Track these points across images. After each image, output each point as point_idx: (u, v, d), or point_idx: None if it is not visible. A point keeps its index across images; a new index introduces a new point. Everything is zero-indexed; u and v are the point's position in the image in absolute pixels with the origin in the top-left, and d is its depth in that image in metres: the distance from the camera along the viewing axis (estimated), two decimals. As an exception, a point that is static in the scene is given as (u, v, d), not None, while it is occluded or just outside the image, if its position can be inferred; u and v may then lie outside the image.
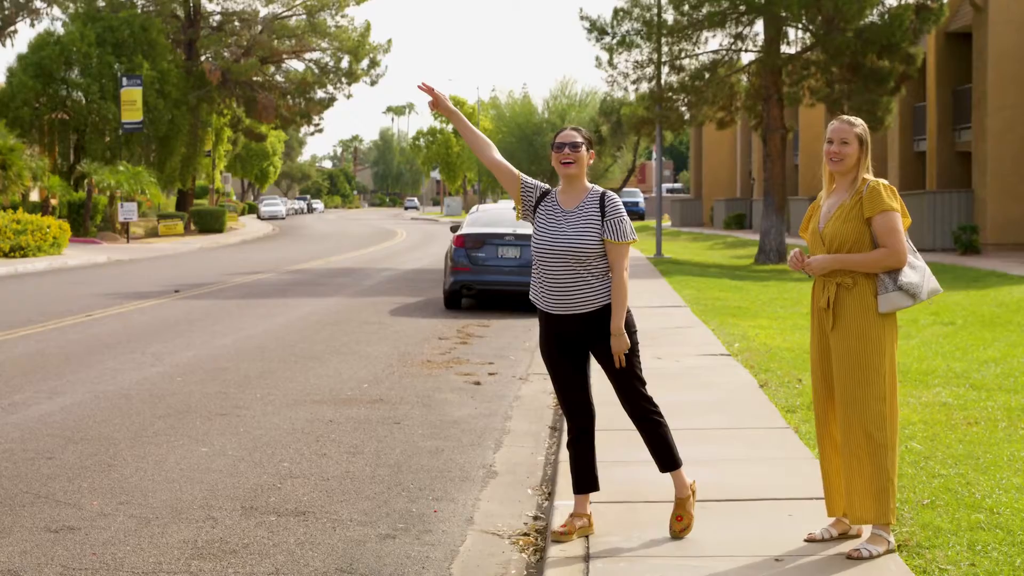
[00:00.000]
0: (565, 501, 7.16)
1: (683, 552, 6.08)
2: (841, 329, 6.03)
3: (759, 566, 5.82)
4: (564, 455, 8.38)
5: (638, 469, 7.68)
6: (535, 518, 7.34)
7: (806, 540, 6.17)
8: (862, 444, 5.94)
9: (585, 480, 6.60)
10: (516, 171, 6.59)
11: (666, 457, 6.52)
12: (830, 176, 6.21)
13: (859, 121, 6.13)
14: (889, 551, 5.89)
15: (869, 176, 6.09)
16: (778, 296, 21.28)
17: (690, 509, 6.41)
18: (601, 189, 6.48)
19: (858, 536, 6.15)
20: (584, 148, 6.44)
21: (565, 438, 6.96)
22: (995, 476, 7.34)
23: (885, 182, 6.06)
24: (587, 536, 6.41)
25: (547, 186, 6.60)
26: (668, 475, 6.57)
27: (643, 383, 6.50)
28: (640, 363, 6.52)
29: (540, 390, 12.02)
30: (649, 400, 6.50)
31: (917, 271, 6.02)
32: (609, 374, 6.47)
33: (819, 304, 6.16)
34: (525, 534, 6.97)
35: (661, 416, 6.53)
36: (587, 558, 6.05)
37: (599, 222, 6.35)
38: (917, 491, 6.99)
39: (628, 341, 6.34)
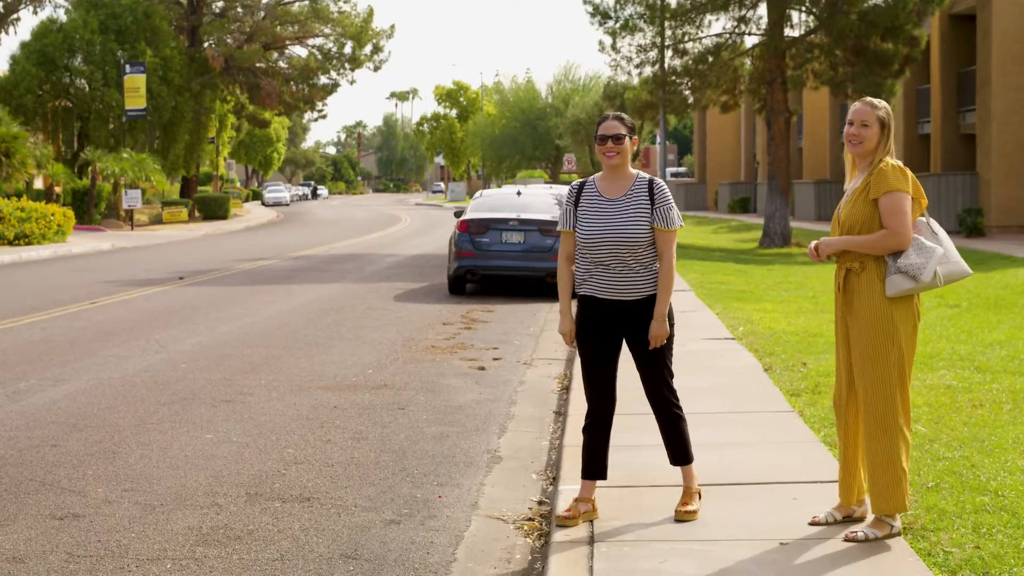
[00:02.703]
0: (570, 486, 7.16)
1: (687, 536, 6.08)
2: (853, 313, 5.98)
3: (763, 550, 5.82)
4: (569, 440, 8.39)
5: (643, 454, 7.68)
6: (540, 503, 7.34)
7: (810, 523, 6.17)
8: (874, 431, 5.90)
9: (595, 467, 6.60)
10: (568, 232, 6.59)
11: (680, 451, 6.55)
12: (852, 160, 6.11)
13: (882, 103, 6.01)
14: (892, 535, 5.88)
15: (889, 159, 5.94)
16: (783, 280, 21.26)
17: (695, 503, 6.42)
18: (647, 176, 6.49)
19: (862, 518, 6.14)
20: (627, 139, 6.45)
21: (580, 423, 6.94)
22: (1000, 458, 7.34)
23: (897, 163, 5.93)
24: (591, 520, 6.42)
25: (579, 181, 6.65)
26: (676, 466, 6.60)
27: (671, 375, 6.53)
28: (672, 355, 6.54)
29: (545, 375, 12.02)
30: (674, 393, 6.53)
31: (923, 252, 5.84)
32: (640, 363, 6.49)
33: (835, 289, 6.14)
34: (530, 519, 6.97)
35: (681, 410, 6.57)
36: (591, 542, 6.05)
37: (649, 210, 6.37)
38: (922, 474, 6.99)
39: (668, 328, 6.38)
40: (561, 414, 9.91)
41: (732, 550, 5.83)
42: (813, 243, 6.15)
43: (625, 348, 6.58)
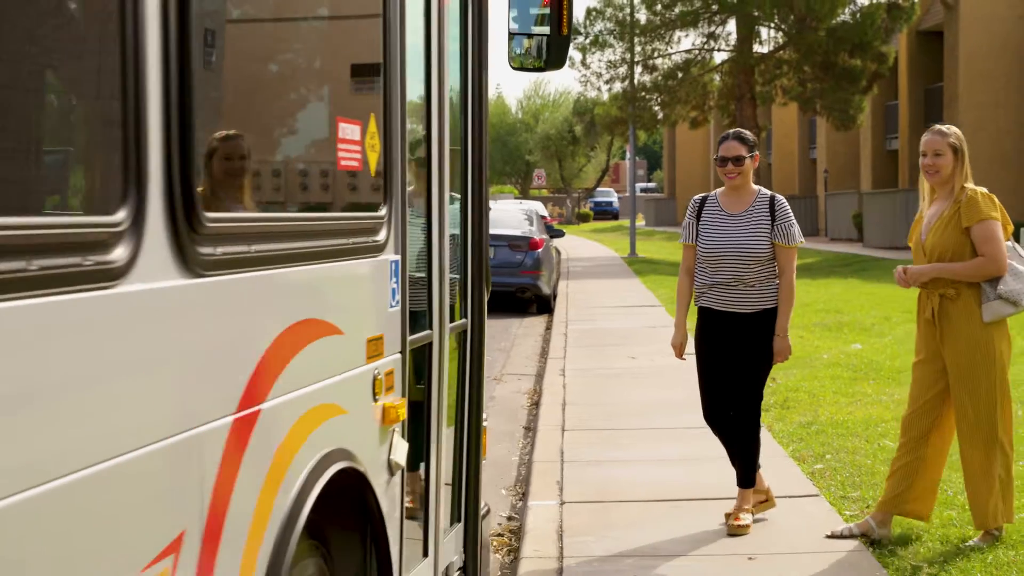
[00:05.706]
0: (539, 501, 7.16)
1: (656, 552, 6.08)
2: (950, 340, 5.95)
3: (732, 564, 5.83)
4: (538, 455, 8.38)
5: (611, 469, 7.67)
6: (509, 519, 7.32)
7: (827, 536, 6.13)
8: (978, 451, 5.90)
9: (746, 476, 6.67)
10: (689, 246, 6.57)
11: (750, 474, 6.59)
12: (930, 188, 6.16)
13: (952, 130, 6.07)
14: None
15: (969, 184, 6.01)
16: (752, 295, 21.28)
17: (748, 516, 6.45)
18: (769, 192, 6.56)
19: (880, 539, 6.05)
20: (748, 159, 6.49)
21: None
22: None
23: (984, 190, 6.00)
24: (561, 536, 6.41)
25: (700, 195, 6.71)
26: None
27: (762, 398, 6.60)
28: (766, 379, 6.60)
29: (515, 390, 12.00)
30: (759, 416, 6.59)
31: (1020, 278, 5.90)
32: (741, 378, 6.52)
33: (924, 316, 6.09)
34: (499, 535, 6.94)
35: (759, 437, 6.63)
36: (561, 559, 6.04)
37: (769, 226, 6.41)
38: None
39: (790, 343, 6.45)
40: (531, 430, 9.89)
41: (700, 565, 5.83)
42: (900, 268, 6.10)
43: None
